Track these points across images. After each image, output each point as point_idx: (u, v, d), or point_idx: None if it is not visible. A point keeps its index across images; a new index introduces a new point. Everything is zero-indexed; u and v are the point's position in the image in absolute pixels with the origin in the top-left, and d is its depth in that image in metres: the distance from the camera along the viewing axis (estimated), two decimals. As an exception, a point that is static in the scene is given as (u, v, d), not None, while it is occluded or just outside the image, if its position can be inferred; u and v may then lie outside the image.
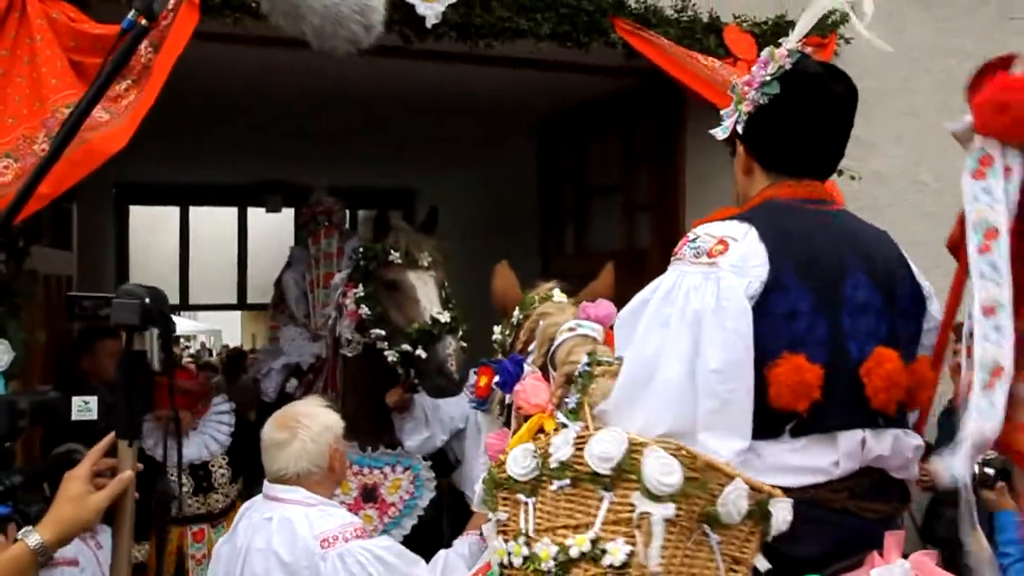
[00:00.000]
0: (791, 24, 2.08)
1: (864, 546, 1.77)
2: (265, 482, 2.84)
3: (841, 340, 1.80)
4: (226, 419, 4.32)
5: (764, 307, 1.74)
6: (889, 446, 1.85)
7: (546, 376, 2.16)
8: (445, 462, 4.17)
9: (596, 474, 1.60)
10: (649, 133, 5.10)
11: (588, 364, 1.80)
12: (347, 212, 5.12)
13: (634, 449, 1.58)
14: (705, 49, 4.27)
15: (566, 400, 1.81)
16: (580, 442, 1.64)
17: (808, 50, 4.73)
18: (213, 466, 4.24)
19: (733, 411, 1.69)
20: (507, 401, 2.33)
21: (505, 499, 1.75)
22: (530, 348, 2.36)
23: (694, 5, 4.35)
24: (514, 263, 6.33)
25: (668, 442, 1.59)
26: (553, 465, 1.65)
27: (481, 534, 2.48)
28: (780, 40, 1.96)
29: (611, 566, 1.55)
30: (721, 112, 2.03)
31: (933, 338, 2.00)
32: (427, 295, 3.77)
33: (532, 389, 2.07)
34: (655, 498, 1.54)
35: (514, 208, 6.87)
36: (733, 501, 1.59)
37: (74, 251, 5.27)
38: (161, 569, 4.00)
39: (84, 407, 1.97)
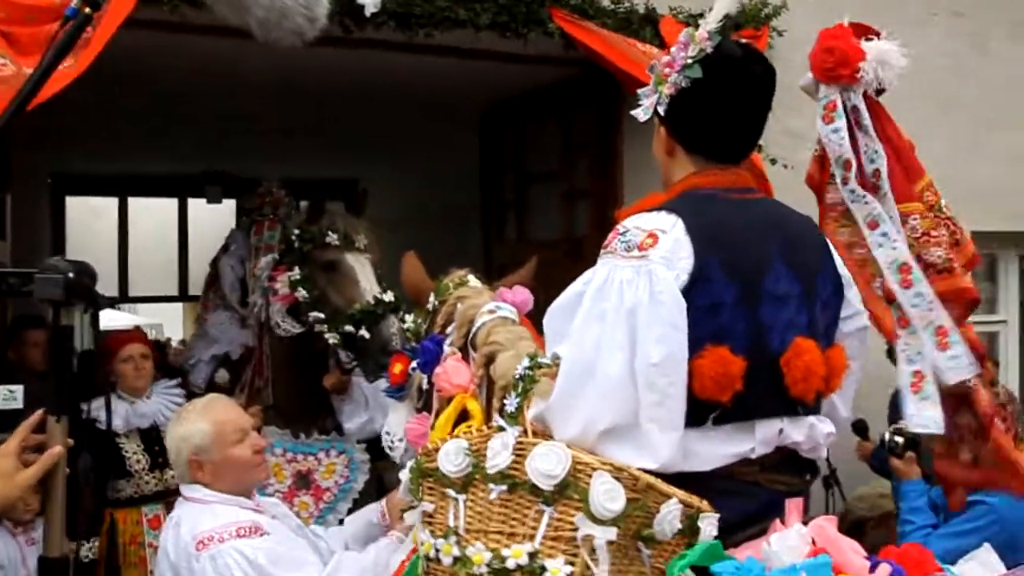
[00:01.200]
0: (727, 16, 2.12)
1: (772, 516, 1.82)
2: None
3: (762, 332, 1.84)
4: (178, 393, 4.29)
5: (689, 299, 1.77)
6: (805, 433, 1.91)
7: (466, 358, 2.18)
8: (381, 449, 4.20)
9: (536, 487, 1.62)
10: (588, 122, 5.17)
11: (529, 367, 1.80)
12: (292, 208, 5.08)
13: (579, 469, 1.60)
14: (641, 40, 4.34)
15: (505, 402, 1.80)
16: (520, 450, 1.66)
17: (742, 41, 4.82)
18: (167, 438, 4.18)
19: (672, 403, 1.72)
20: (425, 385, 2.35)
21: (431, 490, 1.76)
22: (448, 331, 2.38)
23: (631, -5, 4.42)
24: (457, 251, 6.42)
25: (610, 464, 1.62)
26: (490, 470, 1.67)
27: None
28: (699, 23, 1.98)
29: None
30: (638, 91, 2.04)
31: (851, 325, 2.07)
32: (366, 276, 3.80)
33: (453, 370, 2.10)
34: (598, 521, 1.58)
35: (457, 197, 6.91)
36: (668, 520, 1.63)
37: (8, 240, 5.17)
38: (115, 557, 3.97)
39: (9, 396, 1.96)
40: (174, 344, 9.41)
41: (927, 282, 1.91)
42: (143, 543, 4.06)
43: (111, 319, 18.59)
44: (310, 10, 2.03)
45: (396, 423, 2.46)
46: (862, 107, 2.00)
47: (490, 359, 2.03)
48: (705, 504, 1.70)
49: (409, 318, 2.71)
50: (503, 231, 6.08)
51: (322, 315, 3.79)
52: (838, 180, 1.99)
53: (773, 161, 4.66)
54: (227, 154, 7.68)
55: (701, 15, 4.98)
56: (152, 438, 4.14)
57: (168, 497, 4.12)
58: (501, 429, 1.72)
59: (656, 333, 1.71)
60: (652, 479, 1.63)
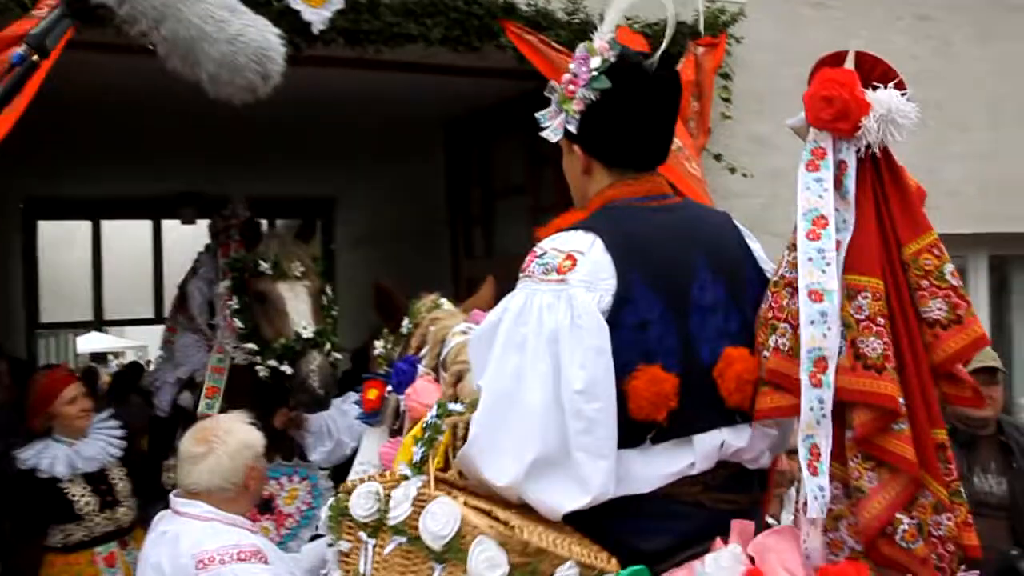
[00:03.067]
0: (683, 24, 2.06)
1: (716, 536, 1.76)
2: (171, 495, 2.79)
3: (692, 345, 1.78)
4: (115, 426, 4.19)
5: (615, 319, 1.72)
6: (745, 439, 1.85)
7: (439, 378, 2.20)
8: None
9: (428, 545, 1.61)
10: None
11: (437, 415, 1.77)
12: (261, 226, 5.04)
13: (464, 532, 1.58)
14: (596, 51, 4.31)
15: (413, 450, 1.78)
16: (420, 501, 1.64)
17: (700, 51, 4.79)
18: (113, 478, 4.09)
19: (600, 431, 1.67)
20: (401, 408, 2.34)
21: (350, 529, 1.73)
22: (422, 352, 2.38)
23: (585, 7, 4.39)
24: (426, 267, 6.38)
25: (500, 526, 1.59)
26: (391, 522, 1.65)
27: None
28: (591, 34, 1.91)
29: None
30: (538, 115, 1.98)
31: None
32: (296, 307, 3.71)
33: (423, 390, 2.12)
34: None
35: (426, 212, 6.88)
36: None
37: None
38: None
39: None
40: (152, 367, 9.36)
41: (832, 389, 1.67)
42: None
43: (96, 343, 18.52)
44: (262, 67, 2.00)
45: (370, 451, 2.46)
46: (851, 165, 1.75)
47: (459, 378, 2.04)
48: (613, 564, 1.64)
49: (379, 344, 2.69)
50: (471, 246, 6.05)
51: (255, 347, 3.71)
52: (801, 235, 1.71)
53: (732, 170, 4.64)
54: (200, 175, 7.66)
55: (656, 24, 4.99)
56: (97, 478, 4.03)
57: (121, 535, 4.06)
58: (405, 478, 1.69)
59: (579, 359, 1.66)
60: (544, 544, 1.58)
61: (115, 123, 5.69)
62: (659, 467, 1.76)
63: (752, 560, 1.70)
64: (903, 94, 1.78)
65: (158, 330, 14.64)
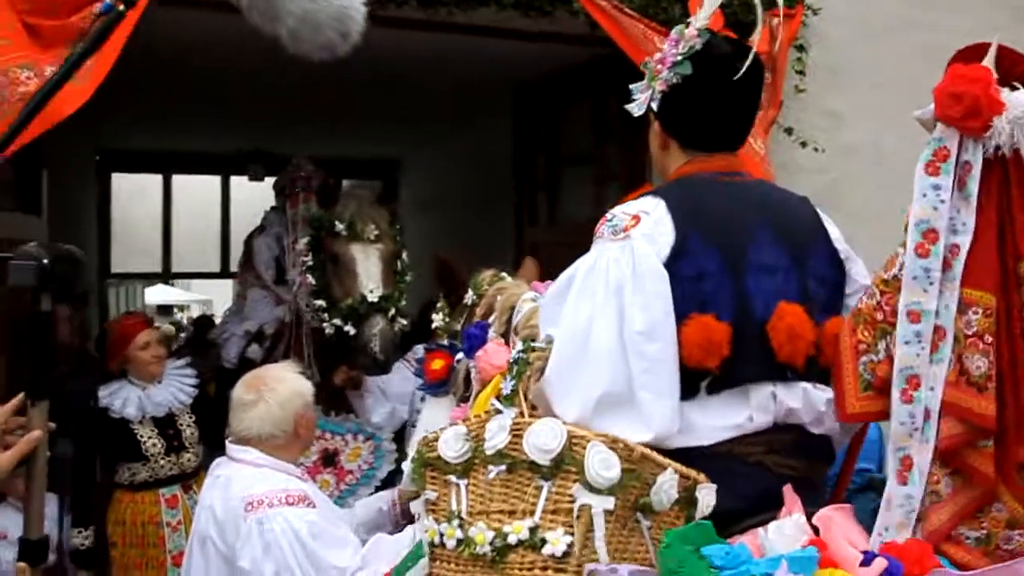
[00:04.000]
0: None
1: (780, 504, 1.78)
2: (227, 440, 2.87)
3: (747, 299, 1.87)
4: (189, 374, 4.32)
5: (673, 271, 1.81)
6: (800, 398, 1.90)
7: (507, 344, 2.25)
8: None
9: (534, 463, 1.65)
10: (619, 104, 5.06)
11: (523, 351, 1.84)
12: (326, 182, 5.10)
13: (574, 442, 1.64)
14: (670, 19, 4.25)
15: (501, 386, 1.85)
16: (516, 429, 1.69)
17: (775, 21, 4.73)
18: (181, 424, 4.24)
19: (661, 369, 1.77)
20: (472, 375, 2.39)
21: (434, 478, 1.80)
22: (489, 320, 2.43)
23: (659, -28, 4.33)
24: (489, 233, 6.39)
25: (605, 435, 1.66)
26: (488, 451, 1.71)
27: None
28: (689, 20, 2.00)
29: (552, 555, 1.60)
30: (631, 87, 2.08)
31: (856, 300, 1.98)
32: (366, 270, 3.73)
33: (493, 352, 2.20)
34: (595, 490, 1.61)
35: (491, 178, 6.89)
36: (665, 490, 1.66)
37: (44, 217, 5.27)
38: (103, 542, 4.04)
39: None
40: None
41: (924, 405, 1.68)
42: (161, 523, 4.11)
43: (163, 295, 18.99)
44: (343, 25, 2.02)
45: (433, 419, 2.51)
46: (977, 167, 1.68)
47: (530, 341, 2.08)
48: (702, 476, 1.73)
49: (437, 316, 2.74)
50: (535, 213, 6.05)
51: (323, 304, 3.77)
52: (909, 249, 1.69)
53: (804, 144, 4.56)
54: (267, 133, 7.76)
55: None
56: (166, 423, 4.16)
57: (184, 480, 4.20)
58: (498, 412, 1.76)
59: (640, 302, 1.78)
60: (647, 450, 1.67)
61: (188, 80, 5.79)
62: (717, 418, 1.84)
63: (816, 531, 1.70)
64: None
65: (223, 284, 14.93)
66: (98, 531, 4.06)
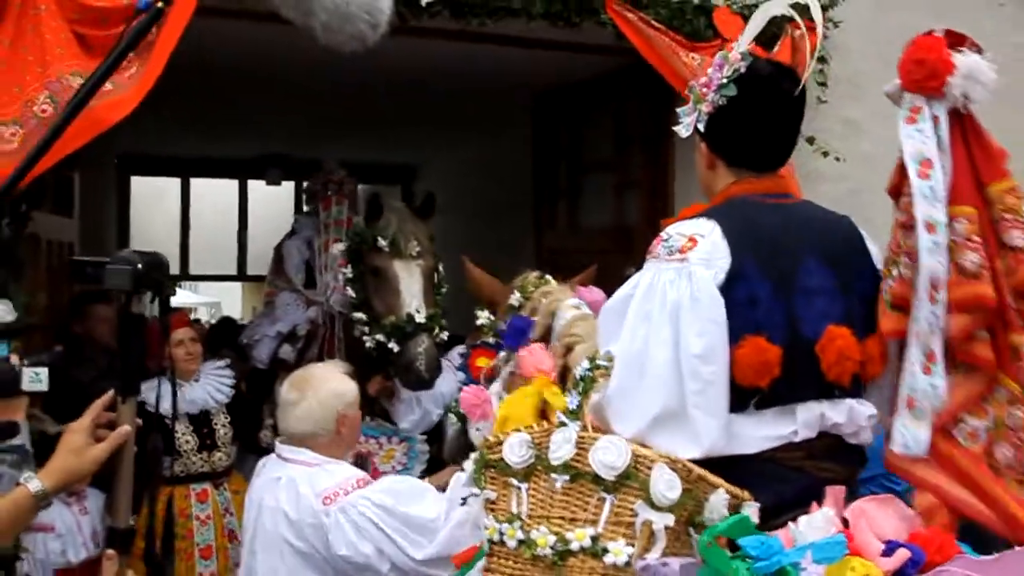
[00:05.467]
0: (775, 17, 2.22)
1: (814, 502, 1.88)
2: (277, 441, 2.96)
3: (797, 322, 1.97)
4: (228, 375, 4.41)
5: (728, 295, 1.92)
6: (845, 414, 2.01)
7: (546, 348, 2.32)
8: (441, 433, 4.26)
9: (598, 477, 1.77)
10: (641, 113, 5.17)
11: (589, 369, 1.94)
12: (357, 186, 5.16)
13: (639, 461, 1.76)
14: (695, 31, 4.34)
15: (568, 399, 1.94)
16: (582, 443, 1.81)
17: (797, 33, 4.80)
18: (216, 423, 4.33)
19: (714, 391, 1.87)
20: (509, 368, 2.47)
21: (494, 479, 1.91)
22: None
23: (683, -16, 4.42)
24: (509, 238, 6.43)
25: (668, 457, 1.77)
26: (554, 461, 1.81)
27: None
28: (732, 44, 2.11)
29: (614, 565, 1.73)
30: (678, 110, 2.19)
31: None
32: (409, 287, 3.77)
33: (538, 355, 2.26)
34: (657, 508, 1.73)
35: (510, 185, 6.96)
36: (717, 508, 1.78)
37: (75, 218, 5.37)
38: (152, 526, 4.10)
39: (35, 378, 2.07)
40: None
41: (945, 304, 1.96)
42: (191, 516, 4.21)
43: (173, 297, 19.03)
44: (372, 17, 2.12)
45: None
46: (943, 119, 2.02)
47: (569, 349, 2.21)
48: (747, 494, 1.83)
49: (483, 314, 2.81)
50: (555, 219, 6.12)
51: (364, 317, 3.81)
52: (912, 176, 1.98)
53: (825, 153, 4.65)
54: (286, 138, 7.84)
55: (755, 6, 5.00)
56: (200, 420, 4.25)
57: (214, 479, 4.28)
58: (562, 424, 1.86)
59: (696, 328, 1.87)
60: (702, 471, 1.78)
61: (206, 86, 5.86)
62: (764, 430, 1.95)
63: (846, 523, 1.81)
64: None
65: (233, 288, 14.89)
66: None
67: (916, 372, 1.97)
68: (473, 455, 1.98)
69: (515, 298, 2.61)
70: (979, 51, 2.05)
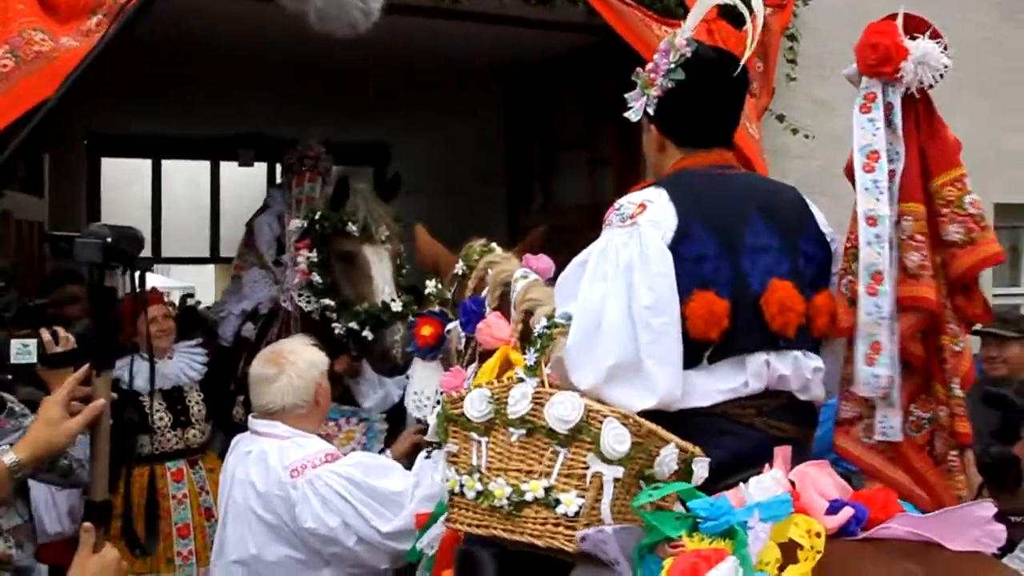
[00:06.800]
0: None
1: (765, 460, 1.95)
2: (250, 416, 2.98)
3: (743, 277, 2.09)
4: (200, 352, 4.41)
5: (677, 253, 2.03)
6: (790, 365, 2.12)
7: (506, 317, 2.34)
8: (403, 413, 4.27)
9: (552, 431, 1.83)
10: (613, 89, 5.16)
11: (547, 326, 2.00)
12: (332, 165, 5.12)
13: (591, 415, 1.82)
14: (665, 9, 4.37)
15: (525, 356, 2.00)
16: (538, 398, 1.87)
17: (768, 11, 4.87)
18: (189, 400, 4.33)
19: (666, 340, 1.98)
20: (459, 345, 2.50)
21: (455, 433, 1.97)
22: (482, 294, 2.52)
23: (656, -37, 4.44)
24: (483, 217, 6.44)
25: (619, 412, 1.84)
26: (511, 416, 1.88)
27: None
28: (675, 31, 2.22)
29: (565, 515, 1.80)
30: (626, 96, 2.30)
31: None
32: (381, 272, 3.76)
33: (495, 325, 2.30)
34: (607, 461, 1.80)
35: (483, 164, 6.97)
36: (667, 463, 1.85)
37: (45, 198, 5.33)
38: (130, 503, 4.11)
39: (23, 349, 2.08)
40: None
41: (890, 296, 2.05)
42: (168, 495, 4.21)
43: (147, 281, 18.85)
44: (366, 4, 2.13)
45: (424, 381, 2.65)
46: (897, 105, 2.09)
47: (529, 314, 2.24)
48: (698, 450, 1.92)
49: (431, 283, 2.83)
50: (529, 197, 6.14)
51: (332, 303, 3.77)
52: (858, 168, 2.07)
53: (795, 131, 4.70)
54: (257, 118, 7.77)
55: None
56: (174, 397, 4.25)
57: (188, 456, 4.28)
58: (520, 380, 1.93)
59: (647, 282, 1.98)
60: (653, 426, 1.86)
61: (177, 65, 5.82)
62: (716, 383, 2.06)
63: (793, 485, 1.88)
64: (943, 48, 2.12)
65: (206, 272, 14.76)
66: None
67: (859, 363, 2.08)
68: (435, 410, 2.06)
69: (459, 267, 2.62)
70: (939, 37, 2.12)
